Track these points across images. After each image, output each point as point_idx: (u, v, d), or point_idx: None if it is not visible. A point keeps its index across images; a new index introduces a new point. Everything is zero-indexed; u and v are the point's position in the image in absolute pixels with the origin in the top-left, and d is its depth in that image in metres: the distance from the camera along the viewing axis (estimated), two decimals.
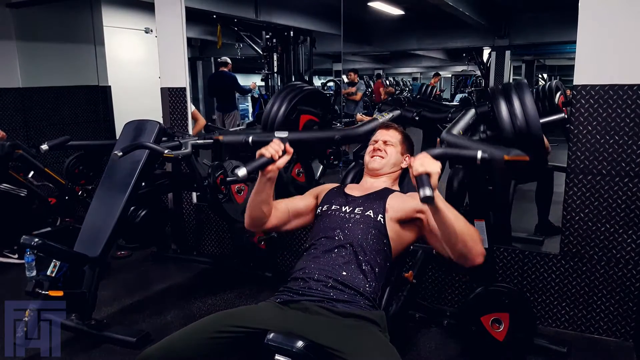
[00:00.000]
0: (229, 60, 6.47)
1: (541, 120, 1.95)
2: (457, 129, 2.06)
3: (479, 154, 1.34)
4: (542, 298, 2.49)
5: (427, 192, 1.24)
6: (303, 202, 1.75)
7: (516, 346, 2.14)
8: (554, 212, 3.23)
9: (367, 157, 1.83)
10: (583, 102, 2.24)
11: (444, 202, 1.35)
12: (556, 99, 3.63)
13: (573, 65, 2.26)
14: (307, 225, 1.78)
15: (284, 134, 2.14)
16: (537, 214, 3.35)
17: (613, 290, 2.33)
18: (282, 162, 1.49)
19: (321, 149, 2.83)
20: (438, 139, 2.99)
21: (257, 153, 1.48)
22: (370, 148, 1.84)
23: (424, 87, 10.36)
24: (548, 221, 3.31)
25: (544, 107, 2.47)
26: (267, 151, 1.46)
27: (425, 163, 1.29)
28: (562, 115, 2.18)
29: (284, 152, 1.49)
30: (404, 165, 1.83)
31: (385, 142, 1.81)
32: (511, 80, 8.13)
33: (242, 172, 1.40)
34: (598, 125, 2.23)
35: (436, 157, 1.34)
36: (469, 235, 1.37)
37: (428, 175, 1.28)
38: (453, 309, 2.60)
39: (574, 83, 2.25)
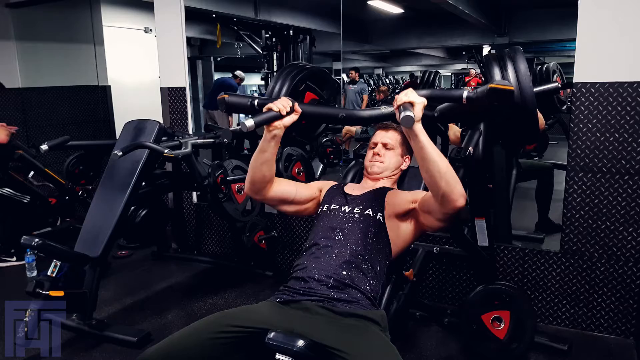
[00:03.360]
0: (243, 76, 7.30)
1: (535, 89, 1.90)
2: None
3: (465, 93, 1.34)
4: (542, 296, 2.49)
5: (408, 112, 1.28)
6: (307, 191, 1.75)
7: (517, 344, 2.14)
8: (554, 210, 3.23)
9: (366, 162, 1.82)
10: (583, 99, 2.24)
11: (426, 137, 1.35)
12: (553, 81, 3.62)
13: (573, 63, 2.26)
14: (303, 214, 1.78)
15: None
16: (538, 211, 3.34)
17: (614, 288, 2.33)
18: (289, 119, 1.46)
19: (326, 124, 2.73)
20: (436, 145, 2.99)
21: (265, 107, 1.45)
22: (369, 153, 1.82)
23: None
24: (548, 219, 3.30)
25: None
26: (275, 105, 1.44)
27: (410, 94, 1.33)
28: (556, 84, 2.11)
29: (292, 110, 1.46)
30: (403, 167, 1.82)
31: (384, 146, 1.80)
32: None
33: (249, 122, 1.36)
34: (598, 123, 2.23)
35: (422, 96, 1.35)
36: (451, 174, 1.36)
37: (411, 104, 1.31)
38: (454, 307, 2.60)
39: (574, 81, 2.25)
